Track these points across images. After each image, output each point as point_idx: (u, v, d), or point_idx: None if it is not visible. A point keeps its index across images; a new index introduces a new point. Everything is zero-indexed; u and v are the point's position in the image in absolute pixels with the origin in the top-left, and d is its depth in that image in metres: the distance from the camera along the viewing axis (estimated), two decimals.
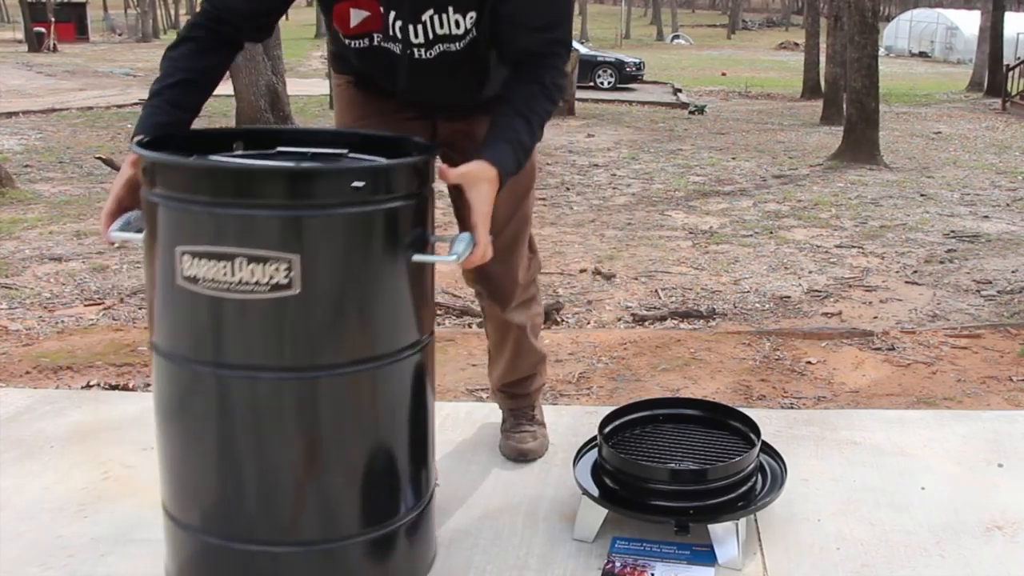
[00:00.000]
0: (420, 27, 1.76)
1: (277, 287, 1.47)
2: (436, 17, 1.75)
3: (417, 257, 1.60)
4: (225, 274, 1.47)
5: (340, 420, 1.62)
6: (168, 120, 1.70)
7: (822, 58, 16.29)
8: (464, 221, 1.66)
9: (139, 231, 1.61)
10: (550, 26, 1.77)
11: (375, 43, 1.81)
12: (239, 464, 1.61)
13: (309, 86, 17.98)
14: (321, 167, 1.59)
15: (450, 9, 1.74)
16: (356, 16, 1.76)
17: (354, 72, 2.00)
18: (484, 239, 1.62)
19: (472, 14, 1.75)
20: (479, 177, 1.65)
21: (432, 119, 2.04)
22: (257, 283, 1.47)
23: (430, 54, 1.81)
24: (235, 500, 1.63)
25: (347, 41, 1.83)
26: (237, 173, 1.52)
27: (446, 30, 1.76)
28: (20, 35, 32.47)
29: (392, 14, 1.75)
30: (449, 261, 1.60)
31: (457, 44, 1.79)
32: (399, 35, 1.77)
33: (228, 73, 10.57)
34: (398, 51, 1.81)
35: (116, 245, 1.63)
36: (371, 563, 1.73)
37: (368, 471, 1.67)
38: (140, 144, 1.60)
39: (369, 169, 1.55)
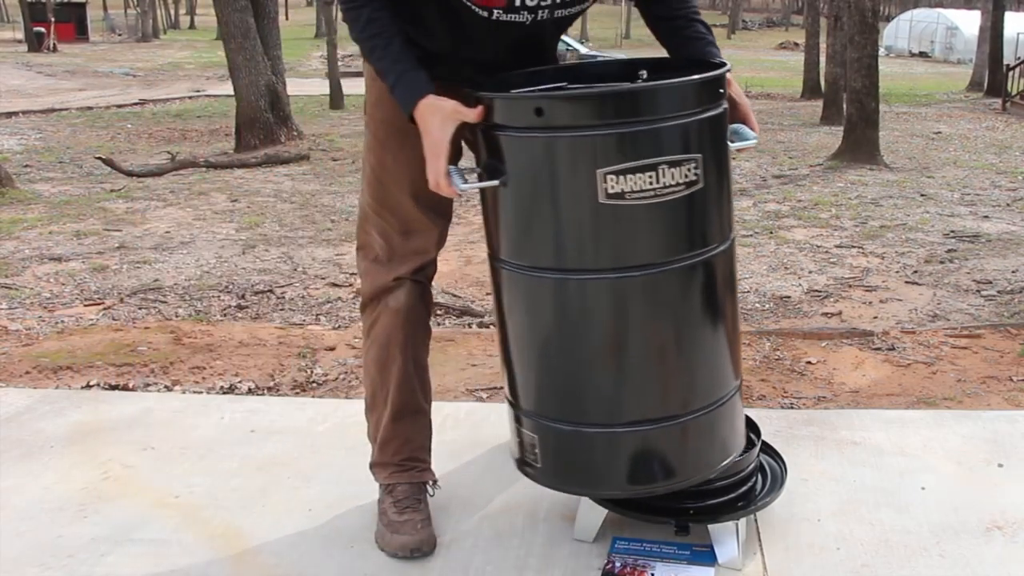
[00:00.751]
0: None
1: (690, 184, 1.70)
2: None
3: (734, 144, 1.83)
4: (651, 182, 1.66)
5: (707, 299, 1.82)
6: (427, 75, 1.80)
7: (822, 58, 16.27)
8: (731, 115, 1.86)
9: (465, 180, 1.77)
10: None
11: (492, 17, 1.79)
12: (632, 352, 1.79)
13: (309, 86, 17.99)
14: (705, 76, 1.74)
15: None
16: None
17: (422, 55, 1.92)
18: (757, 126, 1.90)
19: None
20: (731, 77, 1.85)
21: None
22: (677, 184, 1.68)
23: (554, 14, 1.85)
24: (623, 388, 1.81)
25: (463, 1, 1.79)
26: (652, 92, 1.72)
27: None
28: (20, 35, 32.44)
29: None
30: (751, 144, 1.85)
31: (574, 7, 1.86)
32: (527, 3, 1.78)
33: (228, 73, 10.42)
34: (522, 19, 1.81)
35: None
36: (705, 435, 1.88)
37: (716, 347, 1.86)
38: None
39: (722, 77, 1.78)
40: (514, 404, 1.94)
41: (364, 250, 2.10)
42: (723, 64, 1.81)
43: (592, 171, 1.65)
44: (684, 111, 1.69)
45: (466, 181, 1.76)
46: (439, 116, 1.76)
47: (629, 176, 1.65)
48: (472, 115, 1.75)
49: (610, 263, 1.72)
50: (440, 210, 2.05)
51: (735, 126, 1.86)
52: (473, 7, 1.78)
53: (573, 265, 1.73)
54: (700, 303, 1.81)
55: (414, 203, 2.00)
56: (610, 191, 1.65)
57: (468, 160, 1.94)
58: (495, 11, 1.78)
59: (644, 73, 1.93)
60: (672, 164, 1.67)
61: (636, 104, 1.67)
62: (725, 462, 1.94)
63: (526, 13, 1.80)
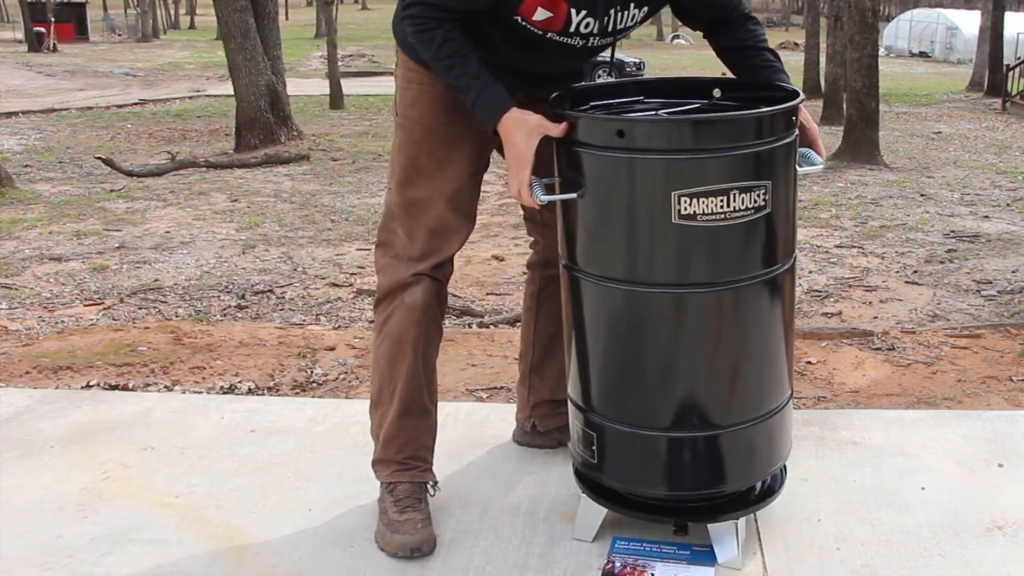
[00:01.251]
0: (598, 23, 1.87)
1: (758, 209, 1.78)
2: (619, 13, 1.88)
3: (801, 169, 1.91)
4: (722, 206, 1.73)
5: (767, 315, 1.89)
6: (506, 89, 1.88)
7: (822, 58, 16.27)
8: (800, 139, 1.93)
9: (545, 191, 1.85)
10: None
11: (547, 36, 1.88)
12: (693, 362, 1.87)
13: (309, 86, 17.98)
14: (781, 107, 1.81)
15: (631, 5, 1.89)
16: (541, 14, 1.84)
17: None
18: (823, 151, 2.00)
19: (645, 8, 1.93)
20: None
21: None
22: (746, 208, 1.76)
23: (600, 42, 1.94)
24: (691, 394, 1.89)
25: (519, 22, 1.86)
26: (729, 122, 1.80)
27: (623, 24, 1.91)
28: (20, 35, 32.44)
29: (583, 13, 1.84)
30: (818, 169, 1.94)
31: (623, 34, 1.95)
32: (581, 31, 1.87)
33: (228, 73, 10.40)
34: (574, 43, 1.90)
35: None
36: (761, 441, 1.97)
37: (772, 361, 1.94)
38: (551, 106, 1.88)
39: (796, 106, 1.86)
40: (575, 401, 2.02)
41: (385, 247, 2.14)
42: (797, 93, 1.88)
43: (667, 192, 1.73)
44: (759, 139, 1.77)
45: (546, 193, 1.85)
46: (524, 129, 1.84)
47: (702, 199, 1.73)
48: (557, 130, 1.83)
49: (677, 279, 1.81)
50: (467, 212, 2.10)
51: (803, 150, 1.93)
52: (530, 27, 1.86)
53: (642, 278, 1.82)
54: (761, 319, 1.89)
55: (444, 203, 2.05)
56: (683, 212, 1.73)
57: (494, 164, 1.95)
58: (549, 32, 1.88)
59: (717, 92, 2.04)
60: (743, 190, 1.75)
61: (713, 132, 1.77)
62: (773, 468, 2.02)
63: (578, 39, 1.90)
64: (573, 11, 1.83)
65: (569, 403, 2.06)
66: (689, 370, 1.88)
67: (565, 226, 1.94)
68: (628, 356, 1.89)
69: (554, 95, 1.96)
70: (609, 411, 1.94)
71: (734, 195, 1.74)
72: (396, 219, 2.11)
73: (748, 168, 1.76)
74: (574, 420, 2.04)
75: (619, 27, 1.92)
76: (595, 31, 1.89)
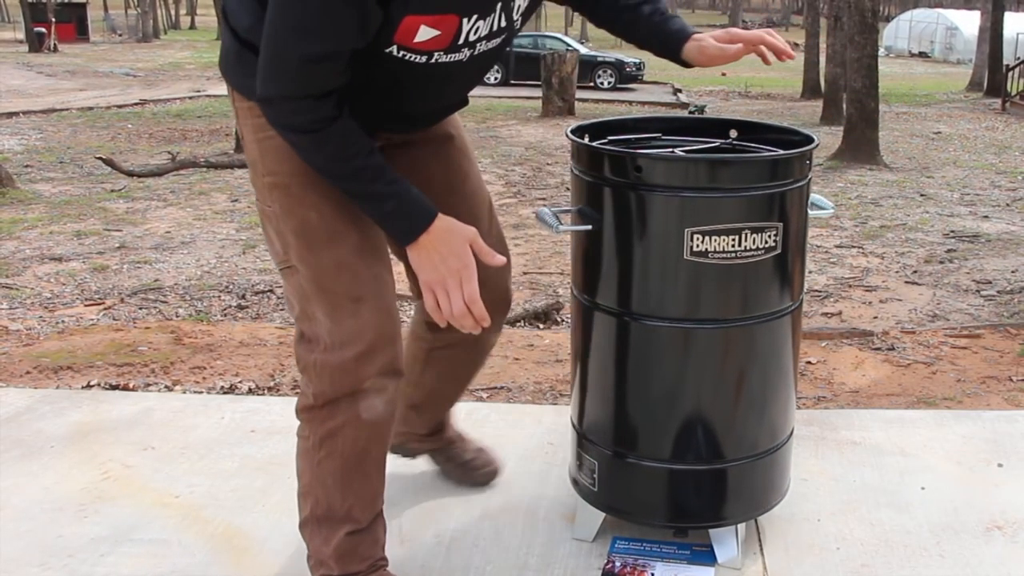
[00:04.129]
0: (487, 25, 1.63)
1: (769, 249, 1.81)
2: (508, 5, 1.65)
3: (812, 213, 1.93)
4: (733, 245, 1.76)
5: (772, 355, 1.91)
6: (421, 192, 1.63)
7: (822, 58, 16.29)
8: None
9: (558, 221, 1.88)
10: None
11: (430, 60, 1.62)
12: (697, 396, 1.89)
13: None
14: (792, 152, 1.85)
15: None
16: (425, 34, 1.56)
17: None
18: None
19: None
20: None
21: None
22: (757, 248, 1.79)
23: (485, 47, 1.68)
24: (705, 426, 1.90)
25: (392, 53, 1.60)
26: (744, 163, 1.84)
27: (514, 15, 1.68)
28: (20, 35, 32.46)
29: (474, 18, 1.59)
30: (827, 214, 1.99)
31: (505, 35, 1.71)
32: (470, 38, 1.62)
33: None
34: (461, 56, 1.65)
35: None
36: (761, 476, 1.98)
37: (774, 399, 1.95)
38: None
39: (813, 150, 1.89)
40: (579, 428, 2.03)
41: (309, 342, 1.71)
42: (812, 139, 1.90)
43: (681, 229, 1.76)
44: (773, 181, 1.80)
45: (561, 223, 1.87)
46: (460, 237, 1.60)
47: (714, 237, 1.76)
48: (494, 261, 1.62)
49: (687, 314, 1.83)
50: (382, 255, 1.76)
51: (814, 197, 1.96)
52: (409, 55, 1.59)
53: (652, 312, 1.84)
54: (765, 358, 1.91)
55: (354, 253, 1.69)
56: (695, 249, 1.76)
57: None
58: (435, 54, 1.61)
59: (734, 132, 2.06)
60: (755, 230, 1.78)
61: (729, 172, 1.79)
62: (772, 504, 2.03)
63: (466, 50, 1.64)
64: (464, 20, 1.58)
65: (572, 430, 2.07)
66: (694, 404, 1.89)
67: (577, 256, 1.96)
68: (634, 387, 1.91)
69: (572, 127, 1.95)
70: (613, 441, 1.96)
71: (746, 235, 1.77)
72: (311, 300, 1.69)
73: (761, 209, 1.79)
74: (576, 447, 2.05)
75: (503, 25, 1.66)
76: (481, 35, 1.63)
